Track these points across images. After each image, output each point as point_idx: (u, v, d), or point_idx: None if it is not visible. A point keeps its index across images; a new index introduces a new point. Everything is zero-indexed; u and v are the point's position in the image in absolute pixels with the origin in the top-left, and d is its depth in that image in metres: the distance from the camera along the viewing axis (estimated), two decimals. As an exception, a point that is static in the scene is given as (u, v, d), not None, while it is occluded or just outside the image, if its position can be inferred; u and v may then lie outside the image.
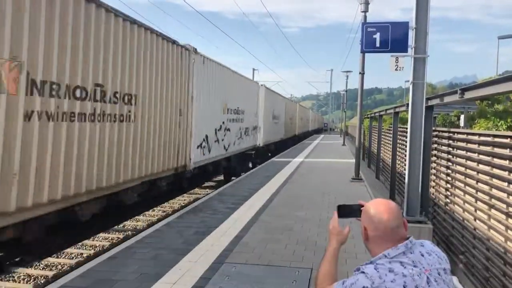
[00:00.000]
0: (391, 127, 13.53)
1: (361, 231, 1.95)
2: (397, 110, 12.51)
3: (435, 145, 8.43)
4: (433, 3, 7.16)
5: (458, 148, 7.09)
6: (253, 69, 54.13)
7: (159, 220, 10.35)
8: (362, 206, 2.05)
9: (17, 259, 7.53)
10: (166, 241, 6.90)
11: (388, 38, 7.27)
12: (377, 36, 7.34)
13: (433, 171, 8.48)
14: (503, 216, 5.13)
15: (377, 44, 7.36)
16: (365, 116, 23.04)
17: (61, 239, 8.06)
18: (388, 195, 12.38)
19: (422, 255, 1.81)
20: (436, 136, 8.40)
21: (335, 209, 2.20)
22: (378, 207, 1.89)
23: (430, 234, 6.82)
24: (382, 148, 16.53)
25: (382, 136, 16.62)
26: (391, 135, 12.75)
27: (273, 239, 7.14)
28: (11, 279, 7.07)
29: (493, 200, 5.51)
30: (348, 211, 2.17)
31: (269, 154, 25.17)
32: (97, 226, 8.85)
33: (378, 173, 17.03)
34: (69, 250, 8.47)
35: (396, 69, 7.26)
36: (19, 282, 7.00)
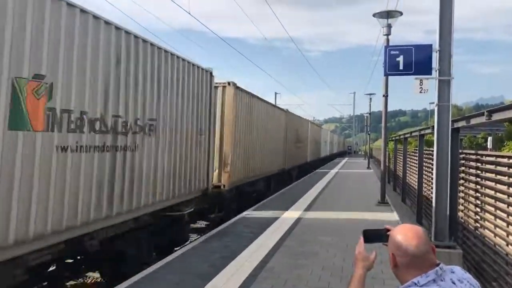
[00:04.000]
0: (416, 149, 13.34)
1: (389, 258, 1.91)
2: (422, 132, 12.35)
3: (463, 168, 8.25)
4: (457, 24, 7.12)
5: (487, 171, 6.92)
6: (275, 93, 54.54)
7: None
8: (389, 230, 2.02)
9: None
10: (192, 266, 6.89)
11: (412, 61, 7.24)
12: (401, 59, 7.32)
13: (461, 194, 8.29)
14: (537, 241, 4.95)
15: (401, 67, 7.34)
16: (390, 139, 22.81)
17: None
18: (415, 219, 12.12)
19: (454, 283, 1.77)
20: (464, 158, 8.24)
21: (361, 234, 2.17)
22: (406, 233, 1.86)
23: (460, 260, 6.62)
24: (407, 171, 16.27)
25: (408, 159, 16.38)
26: (417, 158, 12.56)
27: (299, 264, 7.05)
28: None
29: (525, 224, 5.34)
30: (374, 236, 2.14)
31: (294, 177, 25.10)
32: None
33: (404, 197, 16.71)
34: (90, 273, 8.51)
35: (420, 92, 7.20)
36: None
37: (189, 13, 13.68)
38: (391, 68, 7.40)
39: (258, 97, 16.28)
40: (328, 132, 58.82)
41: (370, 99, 34.10)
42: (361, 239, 2.17)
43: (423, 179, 12.09)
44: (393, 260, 1.88)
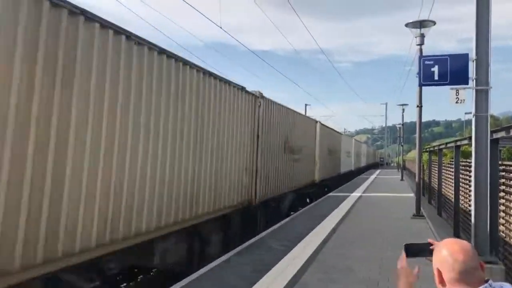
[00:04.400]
0: (452, 161, 13.02)
1: (434, 274, 1.85)
2: (458, 143, 12.06)
3: (503, 180, 7.99)
4: (494, 32, 6.96)
5: (529, 183, 6.68)
6: (305, 105, 54.35)
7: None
8: (431, 244, 1.97)
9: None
10: (224, 278, 6.88)
11: (447, 71, 7.10)
12: (435, 69, 7.19)
13: (502, 207, 8.01)
14: None
15: (436, 77, 7.20)
16: (424, 150, 22.34)
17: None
18: (452, 233, 11.78)
19: (504, 300, 1.70)
20: (504, 170, 7.98)
21: (400, 248, 2.12)
22: (452, 247, 1.79)
23: (503, 275, 6.38)
24: (443, 183, 15.87)
25: (443, 170, 15.99)
26: (453, 170, 12.25)
27: (332, 279, 6.94)
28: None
29: None
30: (417, 250, 2.08)
31: (326, 190, 24.83)
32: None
33: (440, 210, 16.30)
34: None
35: (456, 102, 7.04)
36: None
37: (221, 27, 13.84)
38: (426, 79, 7.27)
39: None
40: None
41: (403, 109, 33.55)
42: (403, 253, 2.11)
43: (460, 192, 11.77)
44: (439, 276, 1.81)
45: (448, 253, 1.78)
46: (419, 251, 2.07)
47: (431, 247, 1.96)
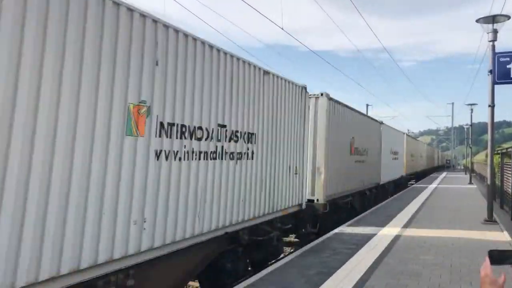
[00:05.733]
0: (528, 163, 12.23)
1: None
2: (535, 145, 11.30)
3: None
4: None
5: None
6: (367, 105, 53.24)
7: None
8: (518, 252, 1.86)
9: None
10: (287, 281, 6.88)
11: (525, 68, 6.71)
12: (512, 66, 6.81)
13: None
14: None
15: (512, 75, 6.82)
16: (496, 152, 21.16)
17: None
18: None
19: None
20: None
21: (484, 255, 2.01)
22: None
23: None
24: (517, 187, 14.95)
25: (518, 173, 15.06)
26: (530, 173, 11.50)
27: (401, 284, 6.74)
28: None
29: None
30: (503, 257, 1.97)
31: (389, 192, 24.26)
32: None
33: (514, 215, 15.35)
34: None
35: (536, 101, 6.63)
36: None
37: (282, 29, 13.88)
38: (501, 76, 6.91)
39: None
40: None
41: (471, 109, 32.06)
42: (487, 260, 2.01)
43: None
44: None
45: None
46: (505, 258, 1.96)
47: (518, 254, 1.85)
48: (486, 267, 2.00)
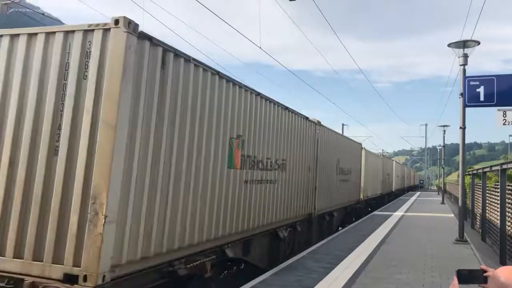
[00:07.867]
0: (497, 185, 12.53)
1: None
2: (504, 167, 11.61)
3: (554, 206, 7.62)
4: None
5: None
6: (343, 124, 53.90)
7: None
8: (485, 271, 1.90)
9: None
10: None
11: (494, 92, 6.91)
12: (481, 89, 7.01)
13: (553, 235, 7.63)
14: None
15: (482, 98, 7.03)
16: (467, 173, 21.62)
17: None
18: (498, 260, 11.27)
19: None
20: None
21: (453, 274, 2.05)
22: (511, 276, 1.73)
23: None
24: (487, 208, 15.27)
25: (487, 195, 15.40)
26: (498, 194, 11.78)
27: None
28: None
29: None
30: (469, 276, 2.01)
31: (369, 209, 25.62)
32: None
33: (484, 235, 15.64)
34: None
35: (504, 124, 6.83)
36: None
37: (260, 47, 14.02)
38: (471, 99, 7.11)
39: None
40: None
41: (444, 131, 32.83)
42: (455, 279, 2.04)
43: (506, 217, 11.29)
44: (497, 304, 1.75)
45: (507, 280, 1.72)
46: (472, 277, 1.99)
47: (484, 274, 1.89)
48: (454, 286, 2.03)
